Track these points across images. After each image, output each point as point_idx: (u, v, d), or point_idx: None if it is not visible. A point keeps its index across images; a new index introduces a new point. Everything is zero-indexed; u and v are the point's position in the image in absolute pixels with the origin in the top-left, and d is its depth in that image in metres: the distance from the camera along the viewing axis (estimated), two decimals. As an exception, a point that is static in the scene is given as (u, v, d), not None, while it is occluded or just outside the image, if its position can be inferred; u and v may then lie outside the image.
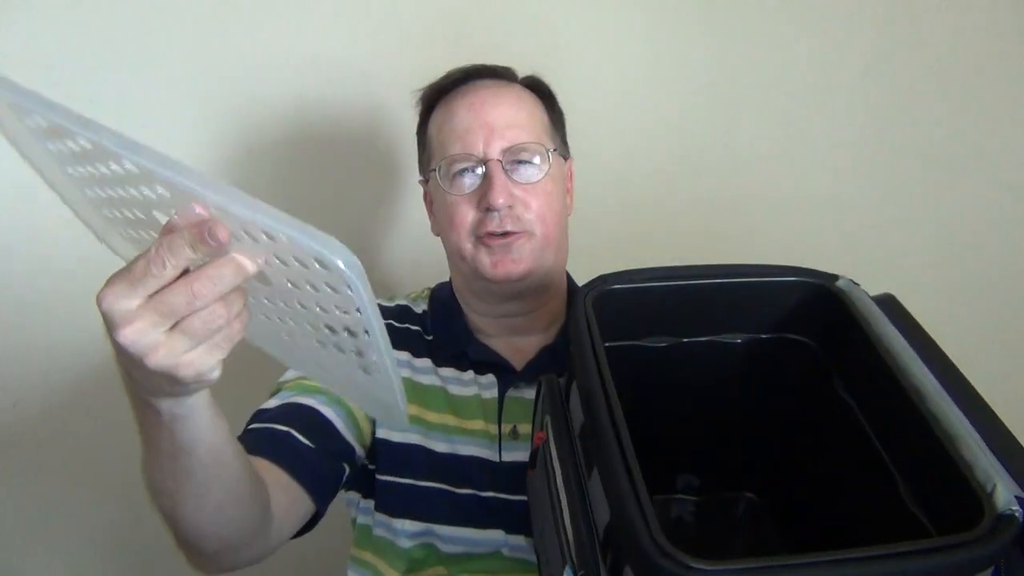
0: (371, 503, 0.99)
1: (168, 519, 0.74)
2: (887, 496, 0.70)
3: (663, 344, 0.84)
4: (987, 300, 1.49)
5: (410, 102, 1.09)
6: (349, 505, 1.03)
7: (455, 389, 1.02)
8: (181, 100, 1.28)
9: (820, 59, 1.43)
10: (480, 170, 0.98)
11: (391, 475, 0.98)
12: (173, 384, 0.57)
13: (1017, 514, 0.56)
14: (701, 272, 0.83)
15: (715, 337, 0.85)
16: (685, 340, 0.84)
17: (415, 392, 1.01)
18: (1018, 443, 0.63)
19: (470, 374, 1.03)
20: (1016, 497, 0.57)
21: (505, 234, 0.97)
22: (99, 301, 0.54)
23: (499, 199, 0.96)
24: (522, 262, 0.98)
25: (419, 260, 1.36)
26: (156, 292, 0.53)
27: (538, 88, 1.07)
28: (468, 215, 0.98)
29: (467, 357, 1.03)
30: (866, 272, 1.43)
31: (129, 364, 0.56)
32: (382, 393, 0.60)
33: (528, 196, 0.98)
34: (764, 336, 0.85)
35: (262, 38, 1.29)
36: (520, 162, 0.99)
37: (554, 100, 1.09)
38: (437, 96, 1.05)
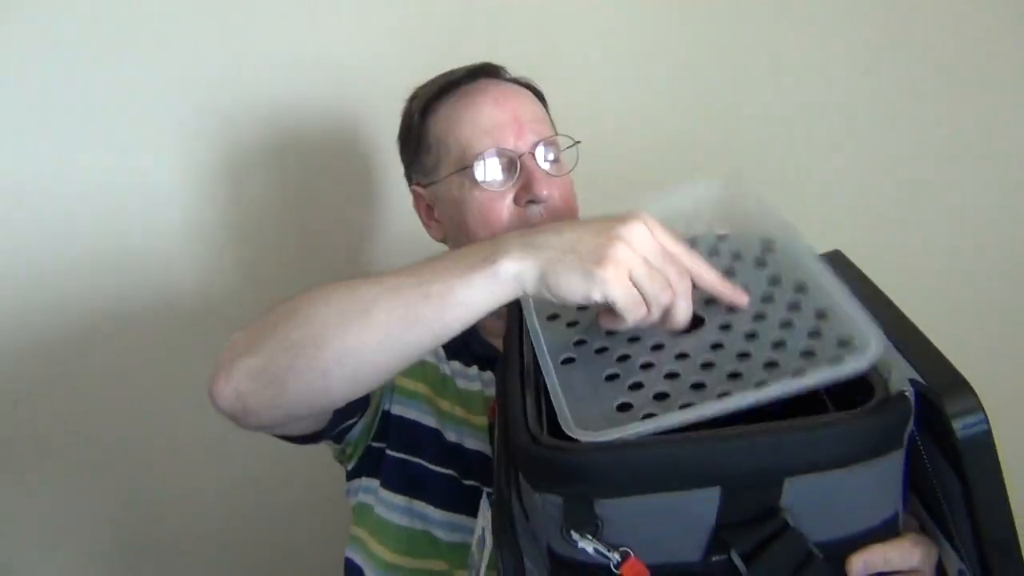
0: (374, 482, 0.99)
1: (322, 345, 0.69)
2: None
3: None
4: (988, 299, 1.48)
5: (398, 104, 1.09)
6: (349, 493, 1.03)
7: (462, 383, 1.02)
8: (172, 104, 1.31)
9: (821, 58, 1.45)
10: (515, 165, 0.97)
11: (404, 453, 0.98)
12: (573, 271, 0.64)
13: (907, 392, 0.55)
14: None
15: None
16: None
17: (429, 376, 1.01)
18: (937, 351, 0.62)
19: (474, 369, 1.03)
20: (911, 380, 0.56)
21: None
22: (637, 217, 0.66)
23: (544, 191, 0.96)
24: None
25: (409, 260, 1.37)
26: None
27: (532, 88, 1.09)
28: (504, 211, 0.97)
29: (471, 352, 1.04)
30: (865, 270, 1.44)
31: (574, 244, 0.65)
32: None
33: (556, 189, 0.99)
34: None
35: (254, 41, 1.32)
36: (551, 156, 1.00)
37: (545, 100, 1.10)
38: (439, 95, 1.04)
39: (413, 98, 1.07)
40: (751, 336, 0.65)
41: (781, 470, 0.55)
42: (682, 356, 0.64)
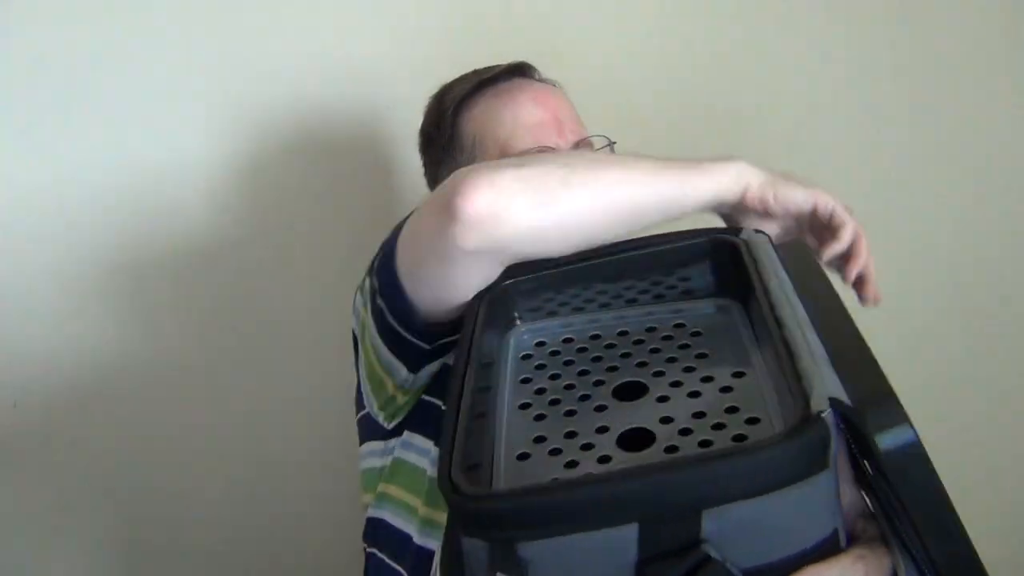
0: (418, 439, 0.96)
1: (600, 184, 0.77)
2: None
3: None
4: (990, 299, 1.44)
5: (415, 102, 1.09)
6: (373, 454, 1.00)
7: None
8: (184, 104, 1.32)
9: (822, 58, 1.43)
10: None
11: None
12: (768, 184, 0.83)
13: (824, 414, 0.53)
14: (603, 251, 0.82)
15: (632, 310, 0.83)
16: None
17: None
18: (868, 355, 0.59)
19: None
20: (831, 398, 0.54)
21: None
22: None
23: None
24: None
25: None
26: None
27: (560, 90, 1.08)
28: None
29: None
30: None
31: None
32: None
33: None
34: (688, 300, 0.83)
35: (264, 41, 1.33)
36: None
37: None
38: (474, 92, 1.03)
39: (444, 95, 1.06)
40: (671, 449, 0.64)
41: (697, 503, 0.54)
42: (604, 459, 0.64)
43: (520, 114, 0.99)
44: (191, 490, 1.40)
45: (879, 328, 0.76)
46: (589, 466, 0.62)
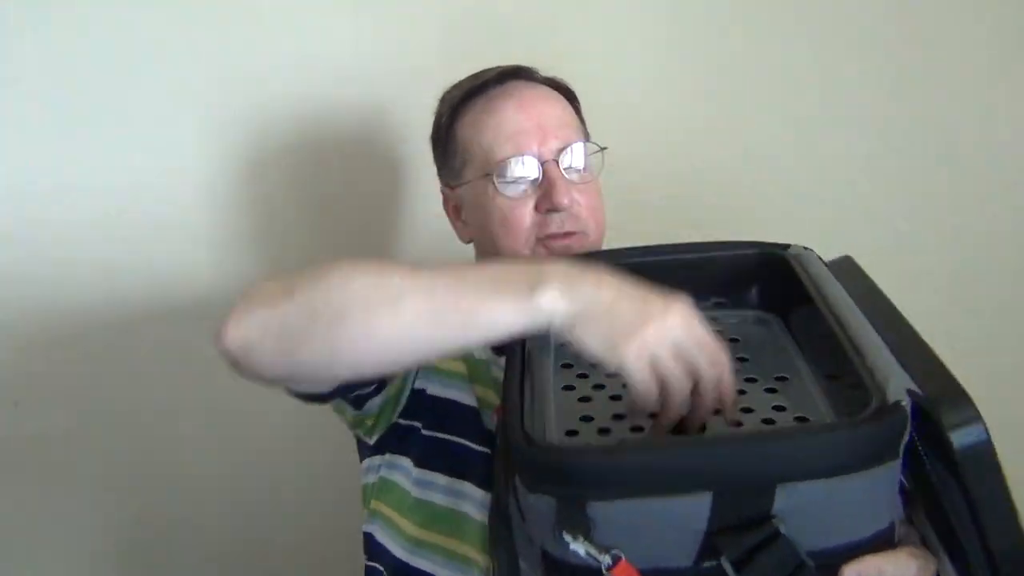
0: (404, 460, 0.96)
1: (340, 323, 0.69)
2: None
3: None
4: (992, 299, 1.46)
5: (415, 102, 1.08)
6: (369, 471, 1.01)
7: (495, 371, 1.00)
8: (184, 105, 1.30)
9: (827, 59, 1.44)
10: (536, 172, 0.97)
11: (443, 432, 0.95)
12: (603, 324, 0.66)
13: (903, 403, 0.55)
14: (648, 251, 0.85)
15: None
16: None
17: (468, 358, 0.99)
18: (936, 358, 0.61)
19: (503, 360, 1.02)
20: (908, 390, 0.56)
21: (566, 235, 0.97)
22: (679, 304, 0.66)
23: (564, 199, 0.95)
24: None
25: (427, 259, 1.37)
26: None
27: (564, 89, 1.07)
28: (525, 218, 0.96)
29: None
30: (873, 269, 1.43)
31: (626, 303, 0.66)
32: None
33: (581, 195, 0.98)
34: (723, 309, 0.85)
35: (264, 41, 1.32)
36: (575, 162, 0.99)
37: (577, 100, 1.09)
38: (466, 98, 1.03)
39: (442, 100, 1.07)
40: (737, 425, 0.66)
41: (773, 477, 0.55)
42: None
43: (501, 122, 0.98)
44: (191, 490, 1.39)
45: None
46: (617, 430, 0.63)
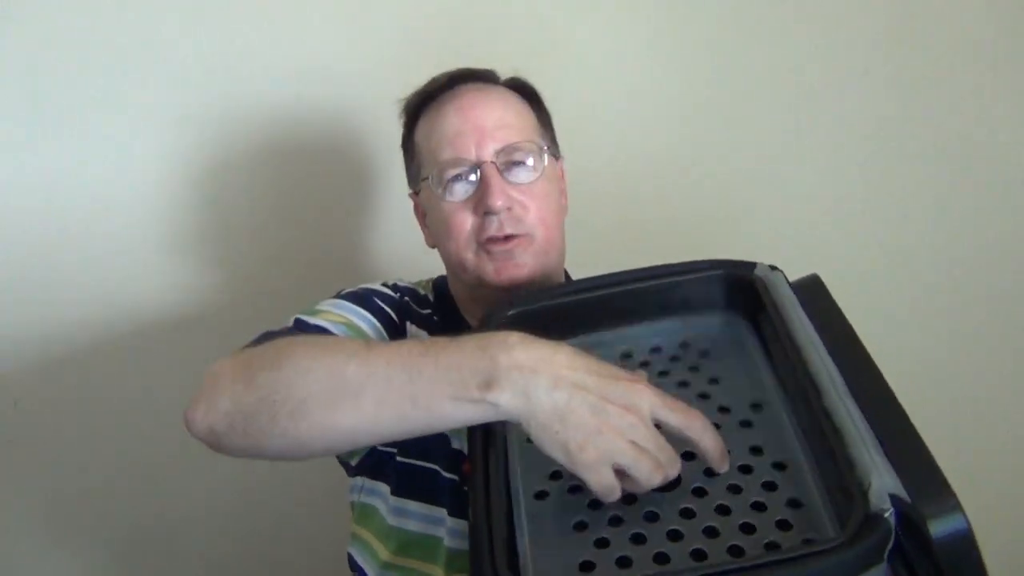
0: (381, 486, 0.98)
1: (302, 416, 0.70)
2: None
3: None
4: (989, 299, 1.45)
5: (386, 104, 1.07)
6: (352, 490, 1.03)
7: None
8: (164, 106, 1.30)
9: (821, 59, 1.42)
10: (474, 174, 0.97)
11: (417, 459, 0.96)
12: (548, 416, 0.64)
13: (887, 514, 0.54)
14: (614, 280, 0.82)
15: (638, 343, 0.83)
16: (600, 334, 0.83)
17: None
18: (917, 438, 0.60)
19: None
20: (891, 495, 0.54)
21: (507, 238, 0.96)
22: (638, 399, 0.64)
23: (497, 201, 0.94)
24: (525, 266, 0.96)
25: (411, 264, 1.35)
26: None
27: (523, 89, 1.06)
28: (466, 222, 0.97)
29: None
30: (869, 270, 1.42)
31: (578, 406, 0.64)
32: None
33: (525, 197, 0.97)
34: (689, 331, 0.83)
35: (246, 43, 1.30)
36: (514, 163, 0.98)
37: (540, 100, 1.07)
38: (421, 104, 1.04)
39: (404, 108, 1.07)
40: (723, 510, 0.63)
41: None
42: (652, 517, 0.64)
43: (443, 125, 0.98)
44: (191, 491, 1.40)
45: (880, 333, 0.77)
46: (621, 547, 0.62)
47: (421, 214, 1.07)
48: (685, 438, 0.65)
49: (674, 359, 0.79)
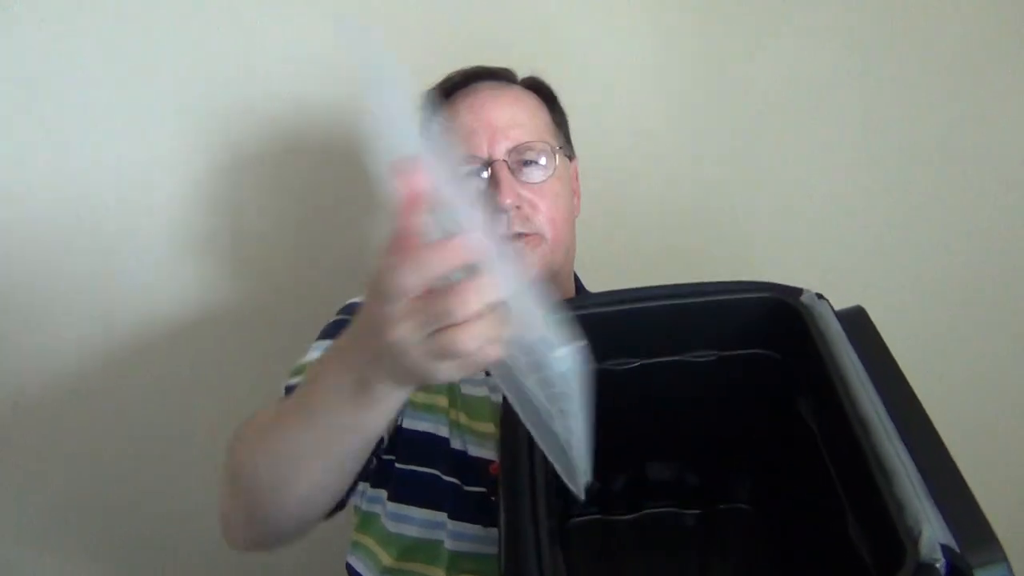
0: (381, 493, 0.98)
1: (261, 491, 0.72)
2: (840, 526, 0.68)
3: (629, 366, 0.83)
4: (988, 301, 1.47)
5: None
6: (354, 495, 1.01)
7: (467, 388, 1.01)
8: (169, 105, 1.28)
9: (819, 59, 1.41)
10: (485, 172, 0.97)
11: (416, 464, 0.97)
12: (407, 378, 0.59)
13: (938, 565, 0.54)
14: (663, 293, 0.81)
15: (681, 357, 0.83)
16: (651, 361, 0.83)
17: (443, 386, 1.00)
18: (962, 483, 0.60)
19: (480, 374, 1.02)
20: (942, 545, 0.55)
21: (516, 237, 0.96)
22: (383, 275, 0.55)
23: (506, 200, 0.95)
24: (533, 266, 0.97)
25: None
26: (430, 295, 0.54)
27: (539, 89, 1.07)
28: None
29: None
30: (867, 273, 1.43)
31: (380, 349, 0.56)
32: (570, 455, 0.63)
33: (536, 197, 0.97)
34: (733, 354, 0.83)
35: (249, 42, 1.29)
36: (526, 162, 0.98)
37: (555, 100, 1.08)
38: (437, 101, 1.03)
39: (420, 101, 1.06)
40: None
41: None
42: None
43: (456, 124, 0.99)
44: (191, 491, 1.38)
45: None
46: None
47: None
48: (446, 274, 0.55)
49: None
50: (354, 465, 0.73)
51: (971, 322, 1.47)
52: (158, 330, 1.33)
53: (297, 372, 0.94)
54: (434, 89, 1.05)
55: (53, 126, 1.24)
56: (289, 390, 0.91)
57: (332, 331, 0.99)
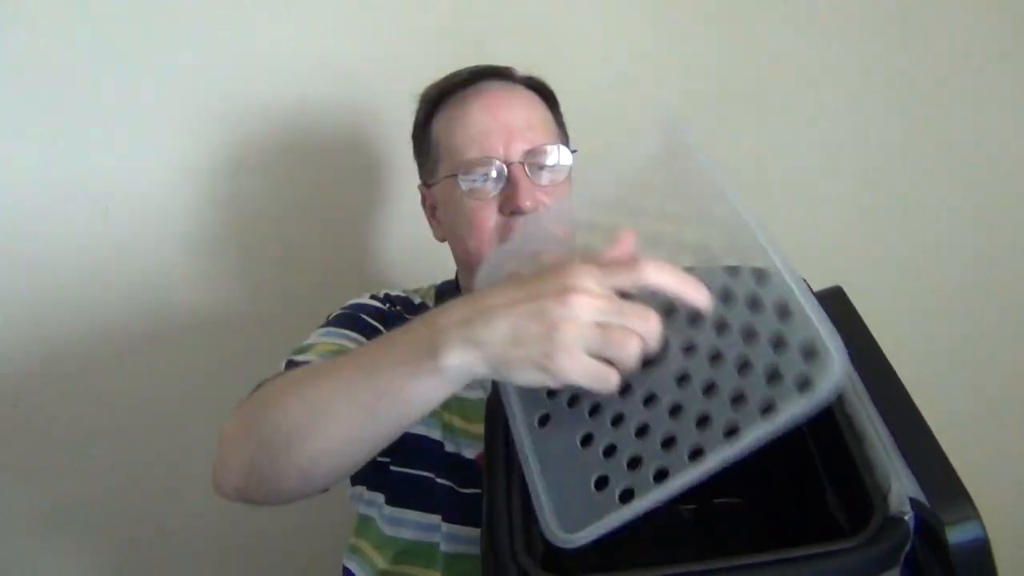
0: (377, 496, 0.99)
1: (280, 437, 0.71)
2: (820, 500, 0.68)
3: None
4: (987, 300, 1.46)
5: (405, 103, 1.08)
6: (353, 499, 1.03)
7: (464, 391, 1.00)
8: (174, 105, 1.30)
9: (819, 58, 1.42)
10: (501, 174, 0.97)
11: (410, 467, 0.97)
12: (517, 365, 0.60)
13: (907, 517, 0.54)
14: None
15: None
16: None
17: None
18: (936, 446, 0.60)
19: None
20: (911, 499, 0.55)
21: None
22: (572, 280, 0.58)
23: (527, 202, 0.95)
24: None
25: (418, 261, 1.36)
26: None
27: (542, 89, 1.07)
28: (490, 220, 0.97)
29: None
30: (863, 271, 1.43)
31: (517, 349, 0.59)
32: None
33: (548, 198, 0.98)
34: None
35: (254, 43, 1.31)
36: (541, 165, 0.98)
37: (556, 101, 1.08)
38: (440, 98, 1.04)
39: (420, 98, 1.07)
40: (715, 358, 0.60)
41: None
42: (651, 399, 0.62)
43: (468, 123, 0.99)
44: (192, 491, 1.38)
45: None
46: (628, 447, 0.60)
47: (430, 207, 1.07)
48: (646, 292, 0.60)
49: None
50: (375, 441, 0.72)
51: (970, 319, 1.46)
52: (159, 330, 1.34)
53: (301, 351, 0.94)
54: (437, 85, 1.05)
55: (56, 127, 1.26)
56: (290, 365, 0.91)
57: (343, 322, 0.99)
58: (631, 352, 0.58)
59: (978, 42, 1.42)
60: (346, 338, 0.96)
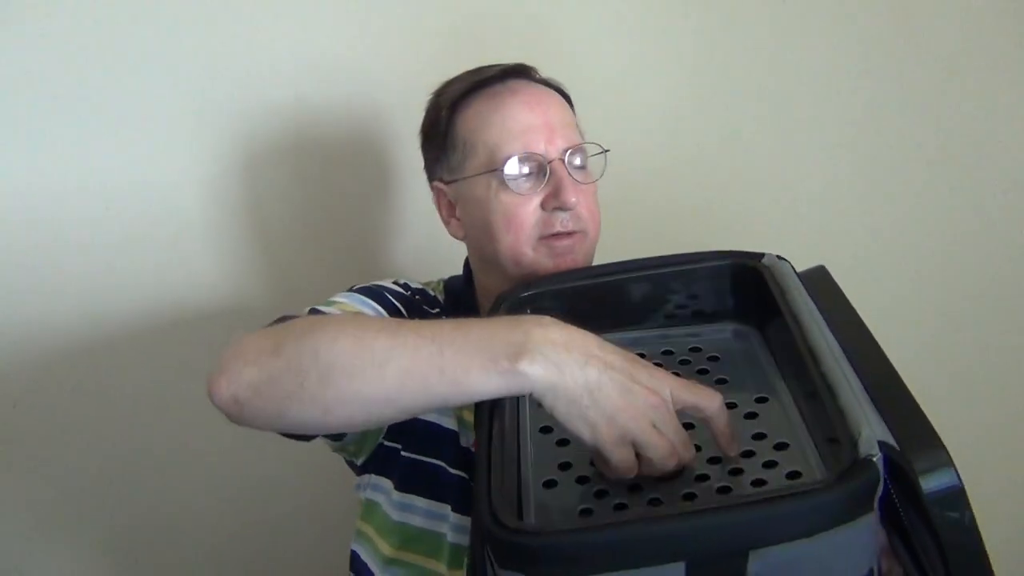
0: (386, 482, 0.99)
1: (314, 368, 0.70)
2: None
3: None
4: (987, 300, 1.45)
5: (409, 102, 1.08)
6: (359, 488, 1.03)
7: None
8: (180, 106, 1.30)
9: (819, 57, 1.43)
10: (542, 170, 0.97)
11: (422, 455, 0.97)
12: (589, 410, 0.65)
13: (875, 459, 0.54)
14: (633, 266, 0.84)
15: (646, 331, 0.84)
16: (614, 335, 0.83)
17: None
18: (912, 401, 0.60)
19: None
20: (880, 441, 0.54)
21: (568, 235, 0.97)
22: (664, 387, 0.66)
23: (572, 198, 0.95)
24: (579, 262, 0.98)
25: (424, 261, 1.38)
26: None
27: (561, 91, 1.08)
28: (530, 216, 0.97)
29: None
30: (863, 270, 1.42)
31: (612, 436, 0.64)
32: None
33: (583, 197, 0.98)
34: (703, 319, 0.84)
35: (260, 42, 1.31)
36: (578, 163, 0.99)
37: (572, 103, 1.09)
38: (467, 94, 1.03)
39: (441, 93, 1.06)
40: (724, 491, 0.65)
41: (745, 544, 0.54)
42: (656, 502, 0.65)
43: (509, 119, 0.98)
44: (192, 490, 1.40)
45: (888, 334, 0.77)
46: (618, 495, 0.62)
47: (447, 204, 1.06)
48: (703, 417, 0.66)
49: (684, 362, 0.80)
50: (405, 409, 0.72)
51: (968, 318, 1.46)
52: (160, 330, 1.35)
53: (326, 304, 0.94)
54: (461, 81, 1.04)
55: (65, 126, 1.27)
56: (314, 312, 0.91)
57: (368, 292, 0.98)
58: (664, 465, 0.64)
59: (978, 42, 1.42)
60: (368, 307, 0.95)
